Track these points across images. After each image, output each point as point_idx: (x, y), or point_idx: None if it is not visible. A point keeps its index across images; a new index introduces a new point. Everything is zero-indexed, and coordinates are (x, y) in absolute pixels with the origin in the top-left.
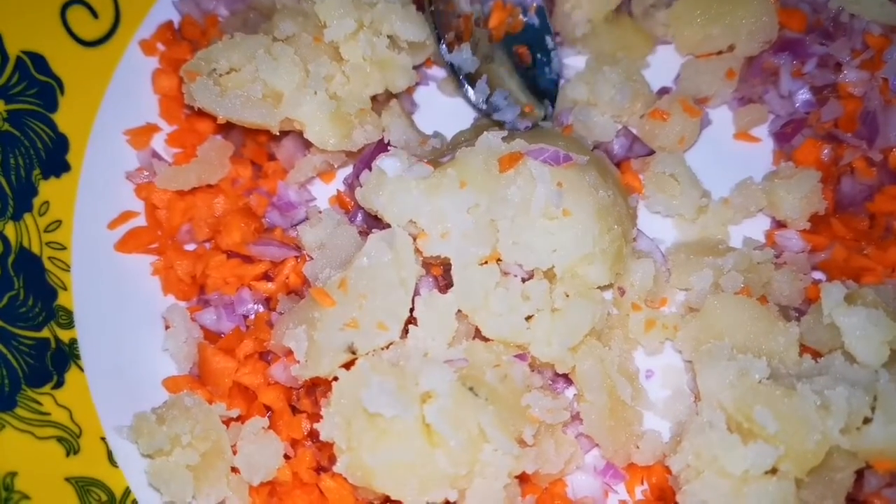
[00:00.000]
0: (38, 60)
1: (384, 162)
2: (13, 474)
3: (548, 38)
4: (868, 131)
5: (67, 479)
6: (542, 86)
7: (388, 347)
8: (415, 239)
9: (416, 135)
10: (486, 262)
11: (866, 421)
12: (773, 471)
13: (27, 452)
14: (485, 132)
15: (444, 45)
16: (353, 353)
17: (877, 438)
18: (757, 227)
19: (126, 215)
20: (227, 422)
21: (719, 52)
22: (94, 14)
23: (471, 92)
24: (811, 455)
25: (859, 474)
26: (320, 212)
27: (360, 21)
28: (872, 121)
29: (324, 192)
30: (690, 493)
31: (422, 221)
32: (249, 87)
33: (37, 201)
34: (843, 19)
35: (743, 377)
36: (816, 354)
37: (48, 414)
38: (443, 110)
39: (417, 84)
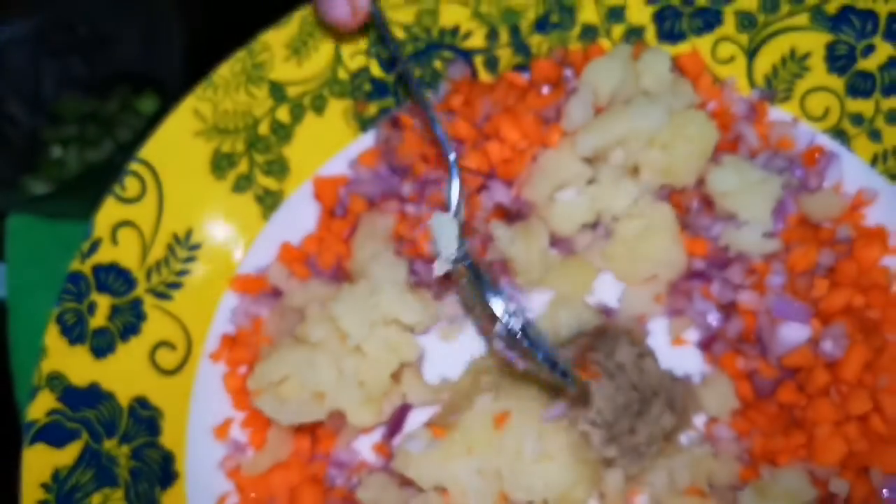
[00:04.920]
0: (142, 402)
1: (409, 444)
2: None
3: None
4: (762, 346)
5: None
6: None
7: None
8: (442, 494)
9: (429, 392)
10: None
11: None
12: None
13: None
14: (478, 398)
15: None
16: None
17: None
18: (698, 421)
19: (223, 499)
20: None
21: (647, 280)
22: (173, 347)
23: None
24: None
25: None
26: (368, 469)
27: (372, 322)
28: (761, 339)
29: (366, 441)
30: None
31: (445, 484)
32: (300, 391)
33: None
34: (731, 253)
35: None
36: None
37: None
38: (444, 351)
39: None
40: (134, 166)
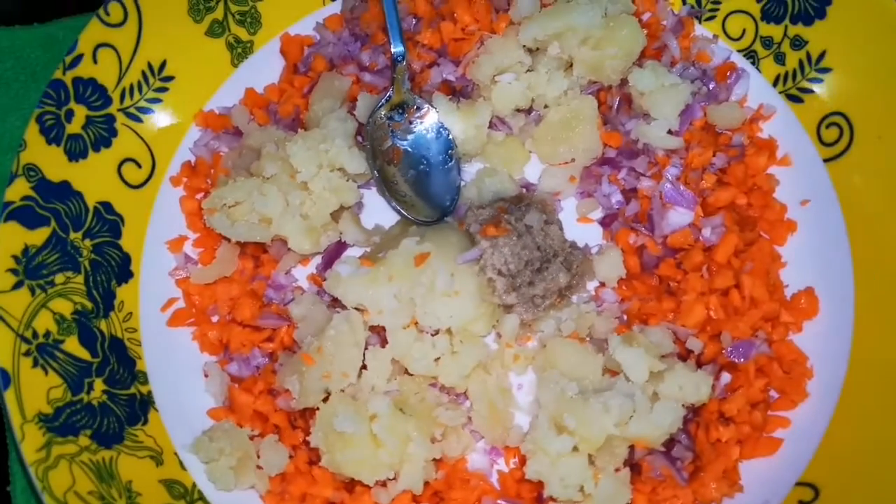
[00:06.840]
0: (107, 206)
1: (340, 267)
2: (130, 482)
3: (452, 154)
4: (651, 226)
5: (160, 481)
6: (447, 188)
7: (349, 387)
8: (362, 313)
9: (362, 234)
10: (408, 327)
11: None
12: (575, 450)
13: (135, 468)
14: (404, 239)
15: (376, 172)
16: (328, 392)
17: (634, 429)
18: (591, 286)
19: (171, 301)
20: (251, 438)
21: (566, 163)
22: (139, 165)
23: (394, 203)
24: (596, 440)
25: (632, 448)
26: (302, 292)
27: (319, 164)
28: (652, 220)
29: (303, 272)
30: (531, 465)
31: (366, 304)
32: (249, 215)
33: (116, 302)
34: (640, 146)
35: (561, 394)
36: (615, 373)
37: (142, 442)
38: (380, 205)
39: (361, 189)
40: None
